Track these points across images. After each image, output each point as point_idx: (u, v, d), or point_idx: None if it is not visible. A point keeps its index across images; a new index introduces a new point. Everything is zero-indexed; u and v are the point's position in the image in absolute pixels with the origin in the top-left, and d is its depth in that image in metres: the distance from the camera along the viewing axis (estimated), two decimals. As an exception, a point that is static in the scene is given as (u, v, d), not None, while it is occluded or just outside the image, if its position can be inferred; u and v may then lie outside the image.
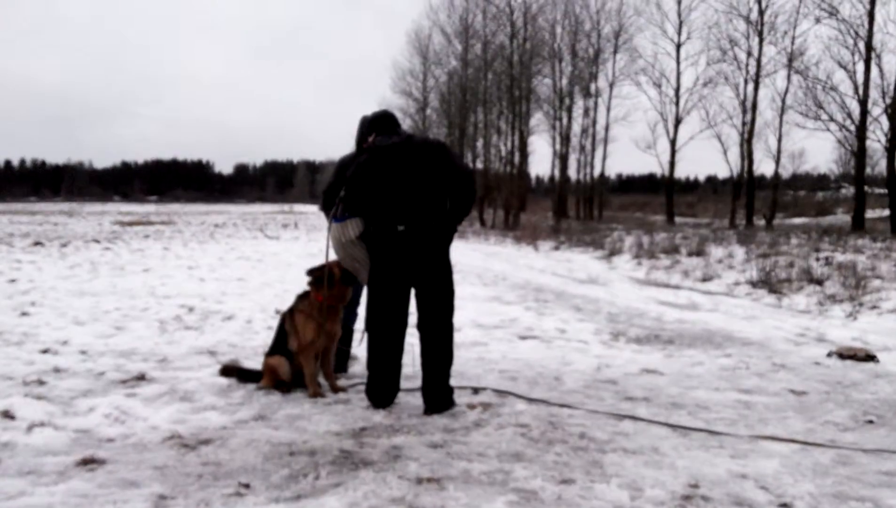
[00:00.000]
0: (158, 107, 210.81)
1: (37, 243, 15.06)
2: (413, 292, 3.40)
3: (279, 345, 3.72)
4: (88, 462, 2.60)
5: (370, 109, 4.02)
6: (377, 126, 3.46)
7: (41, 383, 3.70)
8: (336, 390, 3.70)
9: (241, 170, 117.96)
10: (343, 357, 4.12)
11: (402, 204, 3.27)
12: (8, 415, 3.07)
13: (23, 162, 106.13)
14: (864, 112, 18.11)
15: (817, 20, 19.48)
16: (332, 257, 3.59)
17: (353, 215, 3.40)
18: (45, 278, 8.67)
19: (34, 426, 2.95)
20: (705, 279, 10.60)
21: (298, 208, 60.55)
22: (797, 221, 27.61)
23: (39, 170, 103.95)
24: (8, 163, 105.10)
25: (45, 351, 4.52)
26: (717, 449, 2.86)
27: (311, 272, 3.70)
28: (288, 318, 3.71)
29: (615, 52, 30.69)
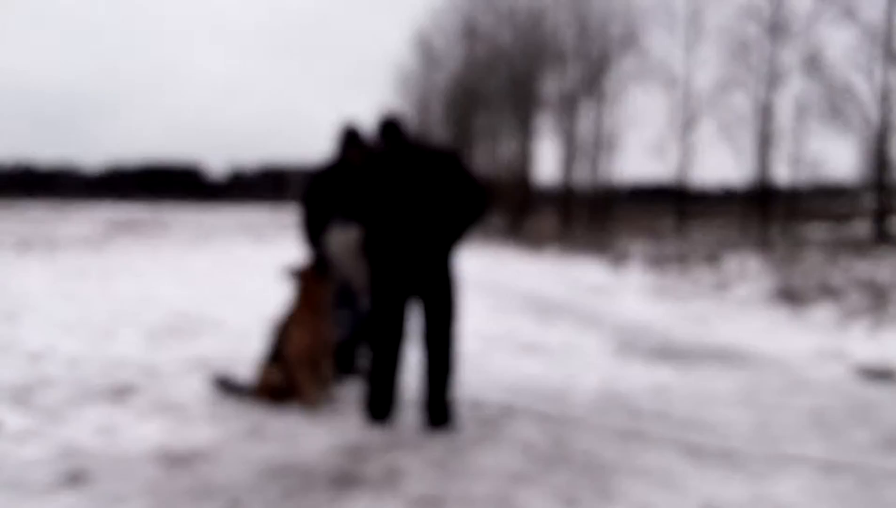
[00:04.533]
0: (155, 108, 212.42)
1: (24, 246, 15.00)
2: (417, 303, 3.30)
3: (272, 354, 3.63)
4: (75, 476, 2.53)
5: (372, 111, 3.99)
6: (386, 131, 3.36)
7: (27, 392, 3.63)
8: (330, 398, 3.60)
9: (236, 172, 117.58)
10: (347, 365, 4.03)
11: (408, 211, 3.18)
12: (-7, 425, 3.00)
13: (14, 163, 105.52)
14: (885, 118, 17.85)
15: (833, 23, 19.28)
16: (327, 261, 3.53)
17: (356, 222, 3.31)
18: (33, 283, 8.57)
19: (20, 437, 2.89)
20: (717, 290, 10.42)
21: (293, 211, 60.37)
22: (814, 230, 27.28)
23: (28, 172, 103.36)
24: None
25: (31, 359, 4.44)
26: (732, 471, 2.76)
27: (293, 271, 3.70)
28: (279, 329, 3.64)
29: (623, 54, 30.52)
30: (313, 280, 3.56)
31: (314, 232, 3.87)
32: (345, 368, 4.07)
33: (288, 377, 3.56)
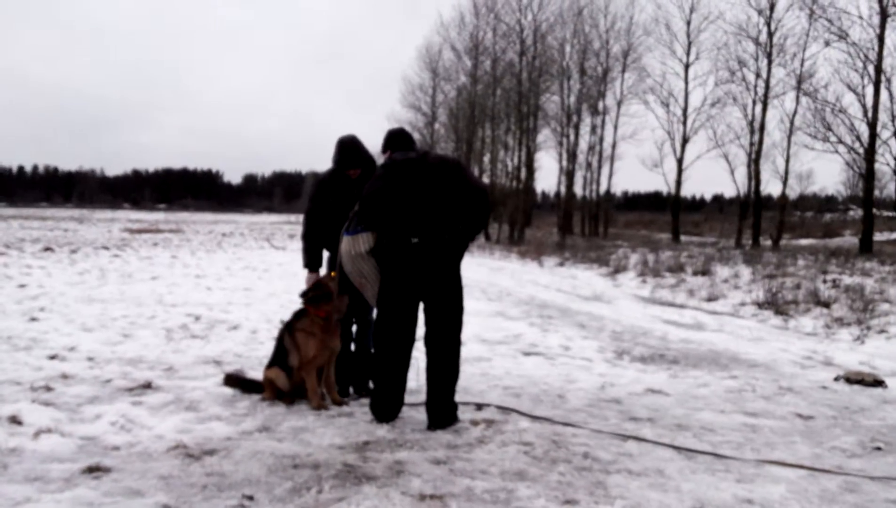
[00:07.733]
0: (173, 116, 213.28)
1: (47, 249, 15.20)
2: (422, 306, 3.41)
3: (277, 358, 3.72)
4: (94, 470, 2.61)
5: (384, 123, 4.07)
6: (393, 143, 3.50)
7: (48, 389, 3.72)
8: (338, 403, 3.70)
9: (250, 180, 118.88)
10: (352, 376, 4.09)
11: (416, 217, 3.29)
12: (15, 421, 3.09)
13: (35, 168, 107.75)
14: (873, 135, 18.14)
15: (826, 43, 19.62)
16: (338, 268, 3.62)
17: (365, 230, 3.42)
18: (55, 284, 8.73)
19: (41, 433, 2.97)
20: (711, 299, 10.55)
21: (305, 218, 60.57)
22: (804, 242, 27.46)
23: (51, 176, 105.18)
24: (21, 169, 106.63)
25: (52, 357, 4.55)
26: (723, 473, 2.84)
27: (305, 294, 3.70)
28: (287, 335, 3.71)
29: (623, 70, 30.97)
30: (324, 293, 3.64)
31: (315, 243, 3.92)
32: (361, 376, 4.12)
33: (294, 379, 3.67)
